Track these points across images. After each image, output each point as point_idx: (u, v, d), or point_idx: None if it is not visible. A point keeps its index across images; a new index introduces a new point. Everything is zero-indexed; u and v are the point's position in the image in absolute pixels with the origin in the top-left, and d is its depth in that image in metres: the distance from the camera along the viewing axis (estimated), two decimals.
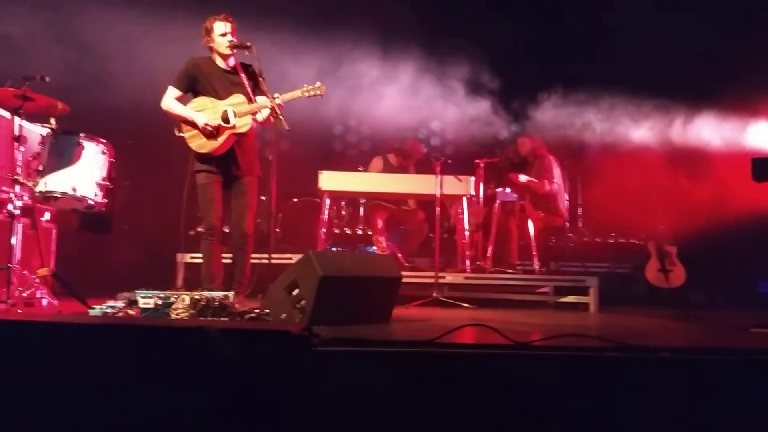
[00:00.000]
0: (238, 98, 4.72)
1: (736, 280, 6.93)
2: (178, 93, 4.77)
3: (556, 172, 6.97)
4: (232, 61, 4.81)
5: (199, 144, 4.70)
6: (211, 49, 4.80)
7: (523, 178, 6.71)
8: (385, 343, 3.02)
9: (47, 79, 4.46)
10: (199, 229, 5.00)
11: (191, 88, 4.80)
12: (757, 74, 6.80)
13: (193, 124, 4.69)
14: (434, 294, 5.79)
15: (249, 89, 4.73)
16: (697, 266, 6.78)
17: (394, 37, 7.93)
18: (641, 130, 7.65)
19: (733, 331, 4.44)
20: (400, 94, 7.73)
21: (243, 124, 4.69)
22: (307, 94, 4.73)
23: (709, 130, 7.32)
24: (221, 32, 4.71)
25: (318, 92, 4.73)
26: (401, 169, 7.28)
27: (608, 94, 7.83)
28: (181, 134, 4.73)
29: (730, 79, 6.93)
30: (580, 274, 6.49)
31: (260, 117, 4.74)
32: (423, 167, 7.11)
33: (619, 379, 2.73)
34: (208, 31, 4.76)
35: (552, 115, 7.78)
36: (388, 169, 7.25)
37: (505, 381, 2.72)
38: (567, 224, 7.69)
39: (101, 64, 6.48)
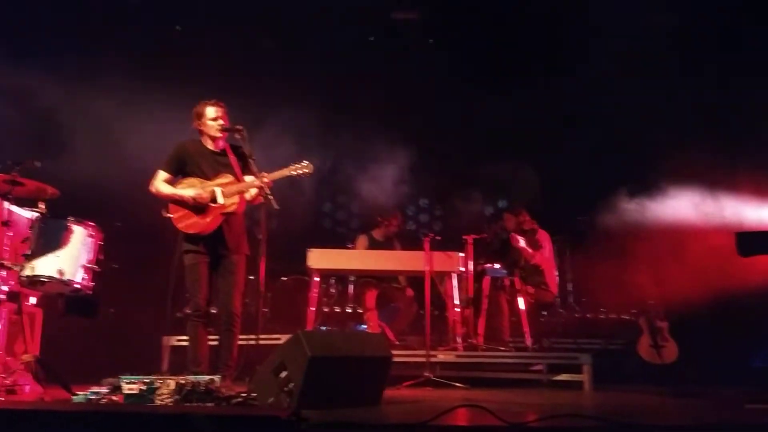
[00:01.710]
0: (226, 178, 4.77)
1: (729, 354, 6.87)
2: (166, 175, 4.82)
3: (546, 246, 7.02)
4: (221, 143, 4.89)
5: (187, 224, 4.71)
6: (201, 132, 4.89)
7: (522, 242, 6.79)
8: (377, 426, 2.96)
9: (38, 164, 4.50)
10: (186, 311, 4.94)
11: (180, 171, 4.85)
12: (743, 151, 6.96)
13: (181, 204, 4.71)
14: (426, 374, 5.69)
15: (237, 170, 4.79)
16: (689, 341, 6.74)
17: (383, 118, 8.13)
18: (630, 206, 7.77)
19: (728, 407, 4.38)
20: (389, 172, 7.85)
21: (231, 203, 4.72)
22: (294, 173, 4.77)
23: (697, 206, 7.44)
24: (212, 116, 4.82)
25: (305, 170, 4.78)
26: (386, 244, 7.28)
27: (596, 168, 7.98)
28: (169, 215, 4.74)
29: (716, 155, 7.08)
30: (573, 351, 6.42)
31: (248, 196, 4.79)
32: (410, 244, 7.13)
33: None
34: (200, 115, 4.86)
35: (541, 191, 7.91)
36: (373, 245, 7.25)
37: None
38: (557, 300, 7.68)
39: (91, 147, 6.56)
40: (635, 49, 7.52)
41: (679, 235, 7.25)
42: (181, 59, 7.49)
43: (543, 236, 7.05)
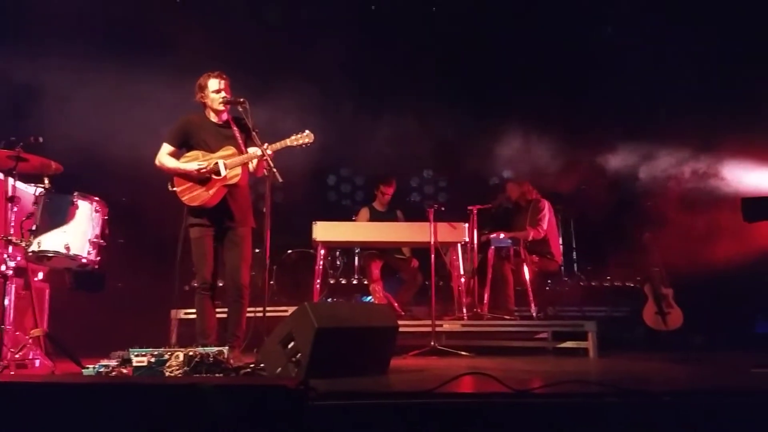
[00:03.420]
0: (228, 150, 4.76)
1: (734, 320, 6.90)
2: (171, 149, 4.83)
3: (548, 216, 7.00)
4: (224, 116, 4.88)
5: (190, 197, 4.72)
6: (204, 105, 4.87)
7: (501, 236, 6.75)
8: (383, 394, 2.98)
9: (41, 139, 4.50)
10: (193, 284, 4.97)
11: (184, 144, 4.85)
12: (752, 119, 6.89)
13: (186, 177, 4.72)
14: (432, 343, 5.73)
15: (241, 141, 4.78)
16: (694, 308, 6.76)
17: (386, 88, 8.06)
18: (635, 172, 7.75)
19: (734, 372, 4.40)
20: (393, 143, 7.82)
21: (233, 175, 4.72)
22: (296, 143, 4.76)
23: (700, 172, 7.42)
24: (215, 89, 4.80)
25: (306, 140, 4.77)
26: (387, 214, 7.28)
27: (602, 136, 7.93)
28: (174, 189, 4.75)
29: (724, 123, 7.03)
30: (578, 319, 6.45)
31: (251, 167, 4.79)
32: (415, 214, 7.12)
33: (620, 425, 2.69)
34: (202, 88, 4.84)
35: (544, 159, 7.87)
36: (374, 217, 7.25)
37: (506, 430, 2.68)
38: (562, 268, 7.69)
39: (94, 122, 6.54)
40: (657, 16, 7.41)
41: (684, 202, 7.24)
42: (182, 31, 7.41)
43: (546, 206, 7.02)
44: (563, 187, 7.72)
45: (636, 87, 7.61)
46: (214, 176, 4.69)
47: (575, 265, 8.36)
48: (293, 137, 4.77)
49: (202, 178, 4.70)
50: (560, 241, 7.46)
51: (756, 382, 3.79)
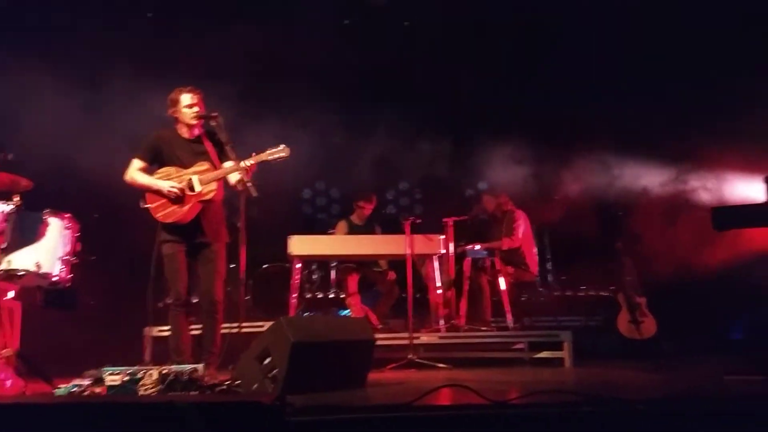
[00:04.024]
0: (202, 166, 4.73)
1: (708, 327, 6.99)
2: (141, 164, 4.77)
3: (524, 226, 7.06)
4: (196, 131, 4.84)
5: (164, 214, 4.67)
6: (177, 120, 4.83)
7: (477, 247, 6.79)
8: (361, 408, 2.97)
9: (10, 156, 4.44)
10: (167, 301, 4.91)
11: (156, 159, 4.80)
12: (726, 128, 6.99)
13: (158, 193, 4.67)
14: (409, 356, 5.73)
15: (214, 156, 4.75)
16: (667, 316, 6.84)
17: (360, 102, 8.08)
18: (609, 182, 7.83)
19: (707, 380, 4.46)
20: (367, 156, 7.83)
21: (208, 191, 4.68)
22: (271, 157, 4.73)
23: (674, 181, 7.53)
24: (188, 103, 4.75)
25: (282, 154, 4.73)
26: (365, 227, 7.28)
27: (575, 146, 8.00)
28: (146, 205, 4.70)
29: (698, 132, 7.13)
30: (553, 329, 6.49)
31: (233, 179, 4.73)
32: (391, 227, 7.13)
33: None
34: (175, 102, 4.79)
35: (517, 169, 7.92)
36: (352, 230, 7.25)
37: None
38: (537, 279, 7.74)
39: (64, 137, 6.45)
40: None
41: (656, 211, 7.33)
42: (153, 45, 7.37)
43: (520, 216, 7.08)
44: (548, 216, 7.79)
45: (616, 99, 7.69)
46: (188, 192, 4.65)
47: (549, 275, 8.42)
48: (268, 151, 4.73)
49: (175, 195, 4.66)
50: (535, 251, 7.51)
51: (729, 390, 3.83)
